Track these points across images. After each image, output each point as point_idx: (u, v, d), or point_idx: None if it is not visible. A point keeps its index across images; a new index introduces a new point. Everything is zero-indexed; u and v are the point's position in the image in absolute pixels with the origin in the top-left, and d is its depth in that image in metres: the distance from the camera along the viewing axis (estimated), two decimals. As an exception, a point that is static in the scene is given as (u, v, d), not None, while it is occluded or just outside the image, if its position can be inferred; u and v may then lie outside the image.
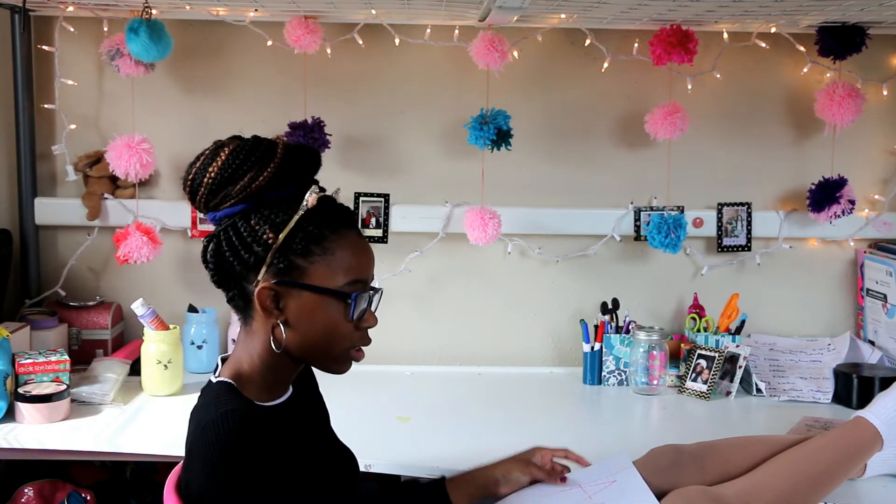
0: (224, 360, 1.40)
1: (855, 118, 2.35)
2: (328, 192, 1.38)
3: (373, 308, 1.39)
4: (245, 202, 1.30)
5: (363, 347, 1.39)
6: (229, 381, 1.33)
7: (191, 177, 1.32)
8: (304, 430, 1.41)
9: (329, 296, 1.31)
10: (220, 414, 1.23)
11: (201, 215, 1.95)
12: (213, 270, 1.34)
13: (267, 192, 1.29)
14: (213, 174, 1.29)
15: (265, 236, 1.28)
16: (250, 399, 1.32)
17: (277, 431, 1.30)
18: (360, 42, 2.36)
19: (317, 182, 1.36)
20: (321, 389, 1.60)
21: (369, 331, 1.39)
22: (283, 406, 1.38)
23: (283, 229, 1.28)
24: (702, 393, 2.25)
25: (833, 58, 2.35)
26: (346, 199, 2.42)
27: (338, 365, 1.38)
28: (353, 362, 1.40)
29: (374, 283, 1.42)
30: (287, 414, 1.38)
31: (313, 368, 1.58)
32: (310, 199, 1.30)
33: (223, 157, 1.29)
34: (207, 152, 1.32)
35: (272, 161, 1.29)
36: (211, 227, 1.37)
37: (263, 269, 1.29)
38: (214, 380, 1.35)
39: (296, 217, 1.29)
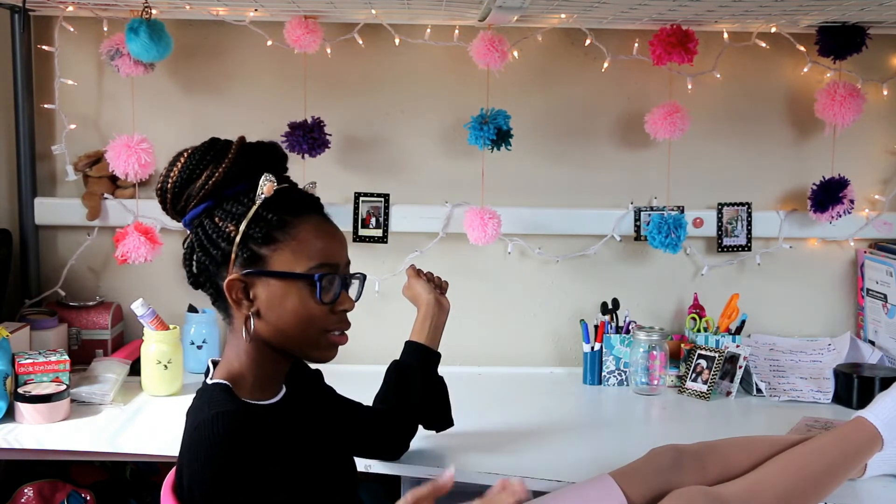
0: (215, 364, 1.41)
1: (855, 118, 2.35)
2: (306, 186, 1.41)
3: (355, 294, 1.41)
4: (206, 200, 1.34)
5: (346, 332, 1.39)
6: (224, 382, 1.33)
7: (158, 186, 1.38)
8: (299, 430, 1.41)
9: (295, 280, 1.32)
10: (211, 415, 1.24)
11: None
12: (189, 273, 1.39)
13: (225, 187, 1.33)
14: (174, 178, 1.35)
15: (227, 230, 1.32)
16: (244, 399, 1.32)
17: (270, 431, 1.30)
18: (360, 42, 2.36)
19: (285, 173, 1.40)
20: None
21: (350, 317, 1.39)
22: (278, 405, 1.39)
23: (243, 220, 1.31)
24: (702, 393, 2.25)
25: (833, 58, 2.35)
26: (345, 199, 2.43)
27: (319, 351, 1.38)
28: (338, 347, 1.39)
29: (361, 272, 1.44)
30: (281, 413, 1.38)
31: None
32: (265, 187, 1.32)
33: (182, 161, 1.35)
34: (169, 162, 1.37)
35: (227, 157, 1.33)
36: None
37: (231, 263, 1.32)
38: (210, 382, 1.35)
39: (254, 207, 1.32)
